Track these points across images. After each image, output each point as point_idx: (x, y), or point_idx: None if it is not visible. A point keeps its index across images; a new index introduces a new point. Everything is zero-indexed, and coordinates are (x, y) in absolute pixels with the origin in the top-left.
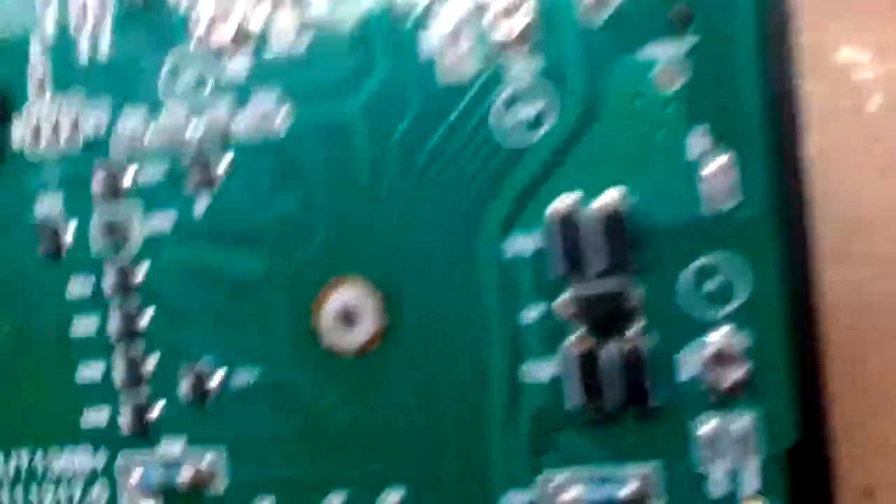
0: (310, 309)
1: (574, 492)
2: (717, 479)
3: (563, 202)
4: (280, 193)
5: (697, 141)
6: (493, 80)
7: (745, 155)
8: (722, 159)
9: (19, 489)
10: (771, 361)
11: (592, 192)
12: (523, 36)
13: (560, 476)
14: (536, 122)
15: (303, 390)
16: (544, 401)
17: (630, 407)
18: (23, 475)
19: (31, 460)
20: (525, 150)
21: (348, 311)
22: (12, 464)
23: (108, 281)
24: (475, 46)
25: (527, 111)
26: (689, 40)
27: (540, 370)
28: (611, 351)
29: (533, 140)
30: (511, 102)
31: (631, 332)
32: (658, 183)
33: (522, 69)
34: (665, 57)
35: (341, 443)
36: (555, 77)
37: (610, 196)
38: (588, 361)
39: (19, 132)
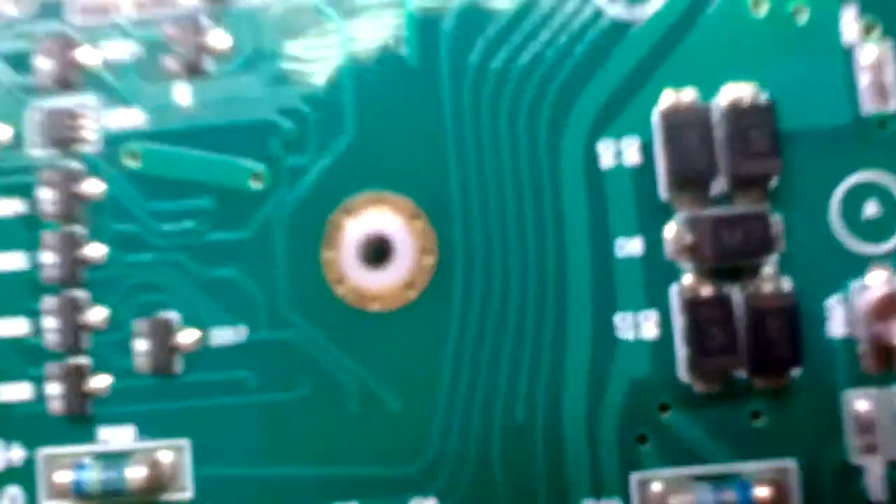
0: (324, 239)
1: (682, 499)
2: (873, 475)
3: (679, 95)
4: (294, 80)
5: (851, 24)
6: None
7: None
8: (881, 47)
9: None
10: None
11: (715, 83)
12: None
13: (662, 477)
14: None
15: (308, 356)
16: (645, 367)
17: (763, 376)
18: None
19: None
20: (631, 23)
21: (378, 241)
22: None
23: (46, 197)
24: None
25: None
26: None
27: (641, 324)
28: (739, 297)
29: (641, 13)
30: None
31: (766, 273)
32: (799, 76)
33: None
34: None
35: (357, 431)
36: None
37: (741, 89)
38: (708, 311)
39: None
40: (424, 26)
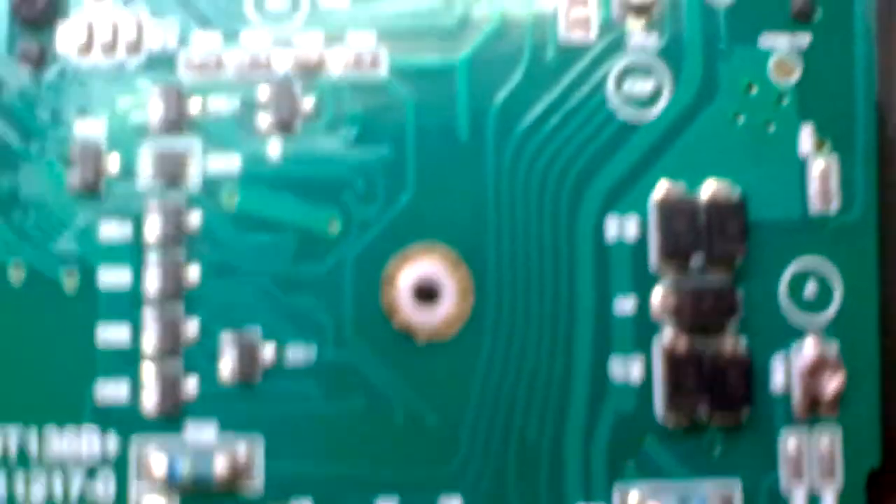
0: (383, 279)
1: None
2: (798, 500)
3: (671, 186)
4: (368, 143)
5: (807, 138)
6: (614, 46)
7: (854, 157)
8: (828, 160)
9: (2, 476)
10: (861, 375)
11: (701, 175)
12: (649, 5)
13: (639, 487)
14: (651, 99)
15: (365, 375)
16: (631, 404)
17: (721, 414)
18: (11, 458)
19: (21, 440)
20: (637, 124)
21: (429, 284)
22: None
23: (153, 224)
24: (599, 7)
25: (643, 86)
26: (808, 34)
27: (630, 369)
28: (706, 351)
29: (646, 117)
30: (628, 73)
31: (728, 333)
32: (765, 176)
33: (643, 40)
34: (784, 48)
35: (400, 438)
36: (673, 54)
37: (719, 185)
38: (682, 362)
39: (68, 36)
40: (475, 112)
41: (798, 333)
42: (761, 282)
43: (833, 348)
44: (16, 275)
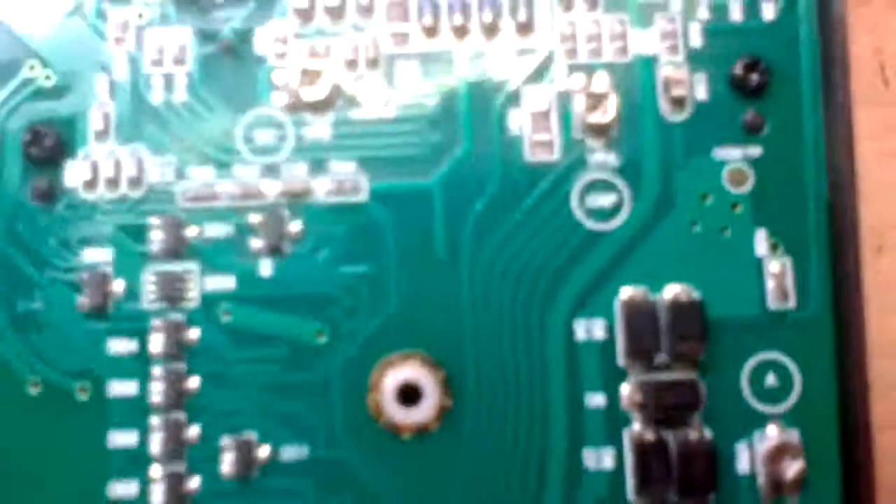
0: (369, 383)
1: None
2: None
3: (634, 290)
4: (351, 261)
5: (762, 242)
6: (576, 164)
7: (805, 258)
8: (782, 261)
9: None
10: (822, 460)
11: (662, 278)
12: (607, 125)
13: None
14: (613, 211)
15: (354, 471)
16: (604, 490)
17: (688, 499)
18: None
19: None
20: (601, 235)
21: (409, 387)
22: None
23: (157, 340)
24: (561, 129)
25: (605, 199)
26: (759, 145)
27: (602, 458)
28: (673, 441)
29: (609, 227)
30: (591, 188)
31: (693, 424)
32: (723, 277)
33: (603, 157)
34: (736, 159)
35: None
36: (632, 168)
37: (678, 288)
38: (650, 451)
39: (75, 174)
40: (450, 230)
41: (760, 422)
42: (723, 375)
43: (794, 436)
44: (33, 388)
